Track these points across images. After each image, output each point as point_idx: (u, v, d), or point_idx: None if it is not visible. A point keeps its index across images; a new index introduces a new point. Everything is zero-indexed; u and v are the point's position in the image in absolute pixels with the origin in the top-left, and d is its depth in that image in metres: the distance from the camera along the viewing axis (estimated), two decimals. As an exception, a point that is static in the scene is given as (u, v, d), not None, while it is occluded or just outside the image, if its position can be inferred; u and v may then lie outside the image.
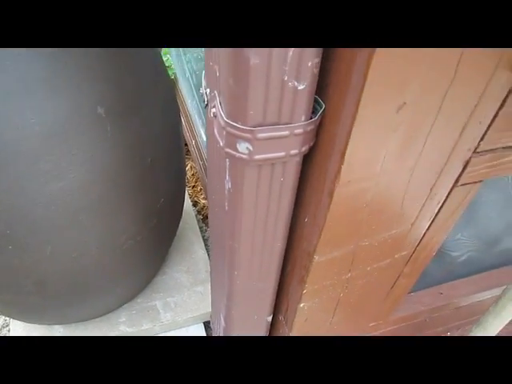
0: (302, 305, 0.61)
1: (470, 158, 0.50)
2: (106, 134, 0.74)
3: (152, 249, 0.99)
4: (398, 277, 0.70)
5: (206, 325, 1.23)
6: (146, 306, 1.17)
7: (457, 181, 0.53)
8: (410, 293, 0.91)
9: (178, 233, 1.22)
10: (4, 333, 1.36)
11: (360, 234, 0.52)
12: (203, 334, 1.19)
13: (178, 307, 1.18)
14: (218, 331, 0.75)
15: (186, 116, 1.57)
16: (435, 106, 0.40)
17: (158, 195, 0.90)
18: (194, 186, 1.77)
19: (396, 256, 0.63)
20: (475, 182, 0.55)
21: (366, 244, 0.55)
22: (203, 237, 1.42)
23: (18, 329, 1.12)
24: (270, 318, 0.67)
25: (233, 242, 0.50)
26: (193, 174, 1.82)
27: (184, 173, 1.10)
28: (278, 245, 0.51)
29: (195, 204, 1.69)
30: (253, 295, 0.59)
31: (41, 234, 0.75)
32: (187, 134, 1.62)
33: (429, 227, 0.60)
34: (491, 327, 0.73)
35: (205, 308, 1.18)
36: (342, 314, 0.72)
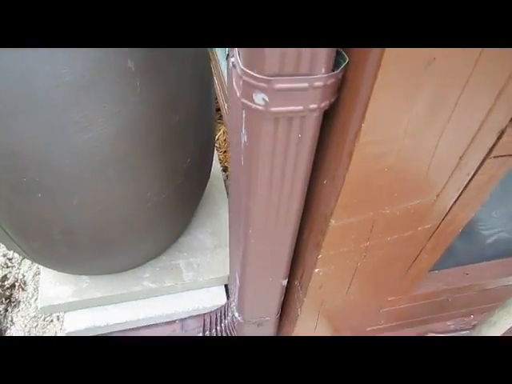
0: (317, 270, 0.60)
1: (506, 127, 0.47)
2: (135, 88, 0.74)
3: (177, 208, 1.00)
4: (421, 251, 0.68)
5: (227, 287, 1.24)
6: (169, 265, 1.20)
7: (490, 151, 0.50)
8: (433, 270, 0.89)
9: (205, 195, 1.23)
10: (36, 280, 1.43)
11: (380, 201, 0.51)
12: (224, 295, 1.21)
13: (201, 268, 1.20)
14: (234, 291, 0.75)
15: (220, 79, 1.55)
16: (469, 63, 0.37)
17: (185, 155, 0.90)
18: (225, 152, 1.77)
19: (419, 229, 0.61)
20: (511, 155, 0.52)
21: (386, 212, 0.53)
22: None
23: (48, 277, 1.17)
24: (285, 282, 0.67)
25: (248, 199, 0.49)
26: (225, 140, 1.82)
27: (213, 135, 1.09)
28: (295, 206, 0.50)
29: (225, 169, 1.69)
30: (267, 256, 0.58)
31: (68, 183, 0.77)
32: (220, 98, 1.61)
33: (456, 200, 0.57)
34: (516, 311, 0.70)
35: (227, 271, 1.19)
36: (359, 285, 0.71)
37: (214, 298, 1.21)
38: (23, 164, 0.72)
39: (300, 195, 0.49)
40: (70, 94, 0.68)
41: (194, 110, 0.88)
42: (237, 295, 0.72)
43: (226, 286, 1.24)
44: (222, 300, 1.15)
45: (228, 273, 1.19)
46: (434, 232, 0.63)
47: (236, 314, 0.77)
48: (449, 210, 0.59)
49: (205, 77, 0.91)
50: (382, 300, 0.83)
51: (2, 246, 1.51)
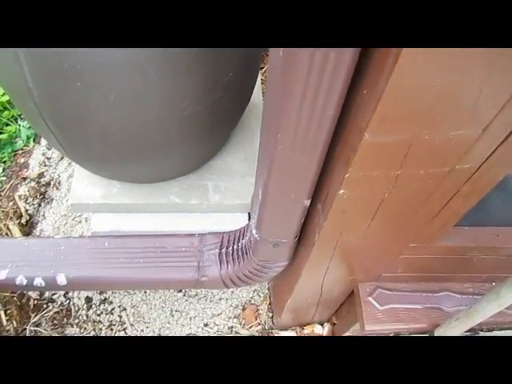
0: (341, 192, 0.58)
1: None
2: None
3: (212, 124, 0.99)
4: (455, 194, 0.64)
5: (250, 215, 1.25)
6: (197, 184, 1.21)
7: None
8: (462, 226, 0.86)
9: (242, 121, 1.21)
10: (70, 181, 1.48)
11: (420, 122, 0.48)
12: (246, 222, 1.22)
13: (228, 192, 1.20)
14: (255, 208, 0.75)
15: None
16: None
17: (228, 67, 0.87)
18: (270, 86, 1.73)
19: (457, 167, 0.58)
20: None
21: (425, 138, 0.50)
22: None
23: (81, 177, 1.20)
24: (307, 203, 0.65)
25: (282, 99, 0.47)
26: (272, 74, 1.77)
27: (259, 56, 1.06)
28: (330, 113, 0.48)
29: (267, 103, 1.65)
30: (293, 170, 0.57)
31: (107, 76, 0.76)
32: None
33: (504, 140, 0.53)
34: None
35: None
36: (383, 221, 0.69)
37: (235, 223, 1.22)
38: (65, 49, 0.72)
39: (337, 101, 0.47)
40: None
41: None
42: (257, 211, 0.72)
43: (249, 213, 1.25)
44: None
45: (253, 201, 1.19)
46: (472, 174, 0.60)
47: (254, 232, 0.77)
48: (494, 151, 0.55)
49: None
50: (403, 244, 0.81)
51: (43, 144, 1.56)
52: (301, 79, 0.44)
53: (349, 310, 1.16)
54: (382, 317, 0.97)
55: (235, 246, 0.92)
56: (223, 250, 0.94)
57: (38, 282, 0.95)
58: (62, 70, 0.75)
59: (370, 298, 0.97)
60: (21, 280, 0.95)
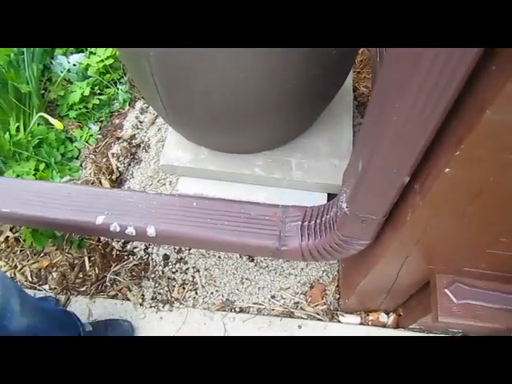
0: (447, 170, 0.58)
1: None
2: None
3: (306, 100, 1.01)
4: None
5: (329, 196, 1.27)
6: (281, 159, 1.24)
7: None
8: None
9: (331, 105, 1.22)
10: (158, 146, 1.56)
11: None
12: (325, 201, 1.23)
13: (310, 170, 1.22)
14: (349, 182, 0.76)
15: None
16: None
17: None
18: (359, 72, 1.72)
19: None
20: None
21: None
22: (353, 122, 1.41)
23: (173, 141, 1.27)
24: (406, 180, 0.66)
25: (404, 73, 0.48)
26: (361, 61, 1.75)
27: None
28: (454, 85, 0.48)
29: (355, 89, 1.65)
30: (403, 141, 0.58)
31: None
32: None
33: None
34: None
35: (334, 180, 1.20)
36: (480, 207, 0.68)
37: (313, 201, 1.24)
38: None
39: (459, 80, 0.47)
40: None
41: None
42: (353, 185, 0.73)
43: (328, 194, 1.26)
44: (323, 205, 1.18)
45: (335, 182, 1.20)
46: None
47: (344, 205, 0.78)
48: None
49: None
50: (493, 237, 0.79)
51: (137, 109, 1.66)
52: (427, 59, 0.44)
53: (419, 303, 1.15)
54: (458, 311, 0.95)
55: (318, 221, 0.95)
56: (305, 223, 0.96)
57: (130, 230, 1.03)
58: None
59: (446, 290, 0.96)
60: (115, 227, 1.04)
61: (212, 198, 1.10)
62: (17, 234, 1.50)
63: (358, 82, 1.68)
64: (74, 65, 1.62)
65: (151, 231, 1.02)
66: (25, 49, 1.47)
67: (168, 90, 0.96)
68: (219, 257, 1.35)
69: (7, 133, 1.43)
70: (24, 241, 1.46)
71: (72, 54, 1.67)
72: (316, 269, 1.32)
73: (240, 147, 1.20)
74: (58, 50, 1.67)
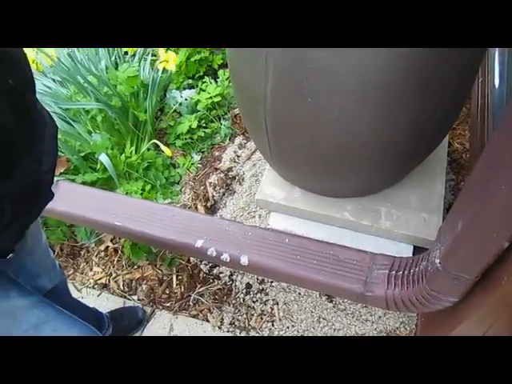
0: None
1: None
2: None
3: (406, 154, 1.06)
4: None
5: (415, 249, 1.28)
6: (371, 207, 1.28)
7: None
8: None
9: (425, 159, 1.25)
10: (252, 180, 1.66)
11: None
12: (410, 253, 1.25)
13: (399, 221, 1.25)
14: (445, 238, 0.79)
15: (484, 71, 1.49)
16: None
17: (438, 108, 0.94)
18: (454, 129, 1.73)
19: None
20: None
21: None
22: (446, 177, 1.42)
23: (269, 178, 1.37)
24: (506, 245, 0.68)
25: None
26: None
27: (463, 102, 1.10)
28: None
29: (449, 145, 1.66)
30: (508, 210, 0.61)
31: (335, 99, 0.88)
32: (475, 91, 1.55)
33: None
34: None
35: (422, 233, 1.22)
36: None
37: (399, 252, 1.26)
38: (304, 69, 0.86)
39: None
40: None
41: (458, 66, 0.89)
42: (449, 242, 0.76)
43: (414, 246, 1.28)
44: (408, 257, 1.19)
45: (423, 236, 1.22)
46: None
47: (437, 261, 0.81)
48: None
49: (475, 57, 0.92)
50: None
51: (235, 144, 1.79)
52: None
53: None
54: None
55: (406, 272, 0.97)
56: (393, 272, 0.99)
57: (225, 257, 1.12)
58: (300, 87, 0.89)
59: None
60: (211, 251, 1.13)
61: (303, 237, 1.17)
62: (116, 245, 1.66)
63: (452, 138, 1.69)
64: (186, 99, 1.80)
65: (244, 260, 1.10)
66: (150, 82, 1.67)
67: (277, 133, 1.05)
68: (299, 293, 1.40)
69: (123, 154, 1.61)
70: (122, 252, 1.61)
71: (184, 89, 1.85)
72: (394, 319, 1.33)
73: (333, 191, 1.27)
74: (173, 85, 1.86)
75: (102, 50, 1.82)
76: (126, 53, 1.93)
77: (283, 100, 0.95)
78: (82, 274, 1.63)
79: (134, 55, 1.90)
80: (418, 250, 1.28)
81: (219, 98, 1.77)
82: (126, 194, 1.57)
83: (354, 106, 0.89)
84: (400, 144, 0.99)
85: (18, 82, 0.57)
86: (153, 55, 1.85)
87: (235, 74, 1.09)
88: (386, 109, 0.90)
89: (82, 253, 1.68)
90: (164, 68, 1.63)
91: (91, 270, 1.64)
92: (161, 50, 1.61)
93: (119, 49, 1.88)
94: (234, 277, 1.48)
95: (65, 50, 1.79)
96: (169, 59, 1.54)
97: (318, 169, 1.11)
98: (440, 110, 0.94)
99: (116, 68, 1.76)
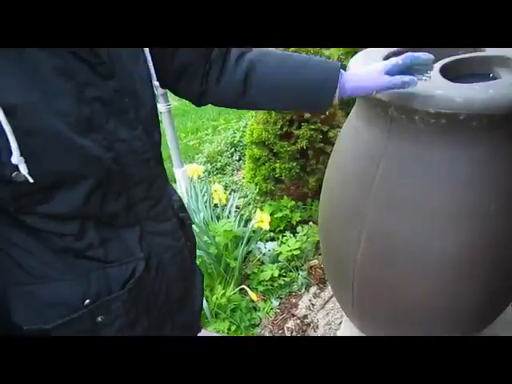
0: None
1: None
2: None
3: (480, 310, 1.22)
4: None
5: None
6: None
7: None
8: None
9: None
10: (325, 328, 1.82)
11: None
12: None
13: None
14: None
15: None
16: None
17: None
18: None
19: None
20: None
21: None
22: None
23: (347, 328, 1.52)
24: None
25: None
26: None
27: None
28: None
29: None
30: None
31: (419, 272, 1.09)
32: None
33: None
34: None
35: None
36: None
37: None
38: (393, 244, 1.09)
39: None
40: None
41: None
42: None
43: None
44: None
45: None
46: None
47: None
48: None
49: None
50: None
51: (310, 293, 1.99)
52: None
53: None
54: None
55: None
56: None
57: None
58: (388, 255, 1.12)
59: None
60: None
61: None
62: None
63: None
64: (269, 250, 2.07)
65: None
66: (246, 236, 1.97)
67: (363, 292, 1.26)
68: None
69: (214, 296, 1.85)
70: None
71: (267, 241, 2.14)
72: None
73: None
74: (255, 237, 2.16)
75: (201, 205, 2.19)
76: (216, 205, 2.29)
77: (373, 265, 1.17)
78: None
79: (225, 208, 2.25)
80: None
81: (298, 252, 2.03)
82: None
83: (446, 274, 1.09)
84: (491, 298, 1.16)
85: None
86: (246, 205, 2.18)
87: (327, 238, 1.35)
88: (480, 279, 1.09)
89: None
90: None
91: None
92: (258, 212, 1.94)
93: (214, 203, 2.25)
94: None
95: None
96: (264, 219, 1.85)
97: (401, 326, 1.28)
98: None
99: (214, 218, 2.10)
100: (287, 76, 0.87)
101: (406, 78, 0.82)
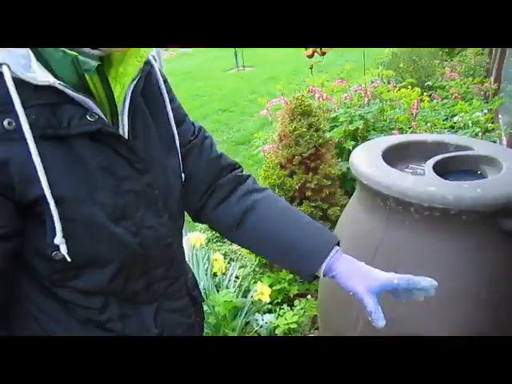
0: None
1: None
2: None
3: None
4: None
5: None
6: None
7: None
8: None
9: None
10: None
11: None
12: None
13: None
14: None
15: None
16: None
17: None
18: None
19: None
20: None
21: None
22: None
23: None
24: None
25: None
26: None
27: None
28: None
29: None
30: None
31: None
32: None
33: None
34: None
35: None
36: None
37: None
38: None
39: None
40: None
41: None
42: None
43: None
44: None
45: None
46: None
47: None
48: None
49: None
50: None
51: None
52: None
53: None
54: None
55: None
56: None
57: None
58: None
59: None
60: None
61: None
62: None
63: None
64: (266, 322, 2.09)
65: None
66: (246, 307, 2.00)
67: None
68: None
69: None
70: None
71: (265, 313, 2.17)
72: None
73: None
74: (253, 308, 2.19)
75: (202, 273, 2.24)
76: (215, 274, 2.32)
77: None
78: None
79: (224, 277, 2.29)
80: None
81: (295, 325, 2.06)
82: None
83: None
84: None
85: None
86: (246, 276, 2.22)
87: (325, 318, 1.40)
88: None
89: None
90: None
91: None
92: (259, 284, 1.98)
93: (214, 273, 2.29)
94: None
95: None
96: (264, 292, 1.89)
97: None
98: None
99: (213, 288, 2.13)
100: (282, 229, 0.86)
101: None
